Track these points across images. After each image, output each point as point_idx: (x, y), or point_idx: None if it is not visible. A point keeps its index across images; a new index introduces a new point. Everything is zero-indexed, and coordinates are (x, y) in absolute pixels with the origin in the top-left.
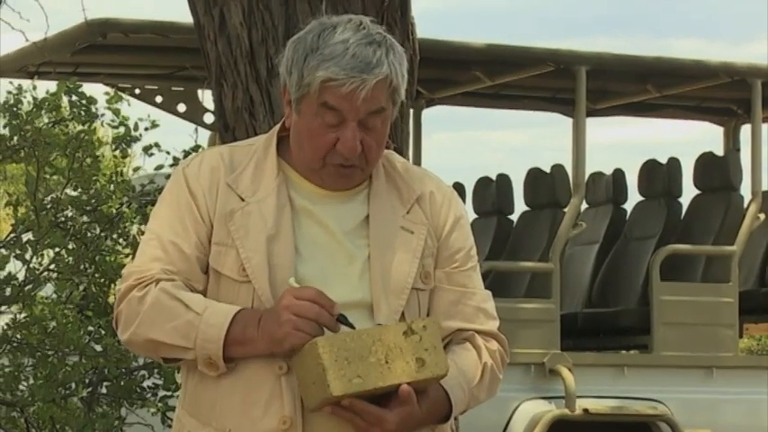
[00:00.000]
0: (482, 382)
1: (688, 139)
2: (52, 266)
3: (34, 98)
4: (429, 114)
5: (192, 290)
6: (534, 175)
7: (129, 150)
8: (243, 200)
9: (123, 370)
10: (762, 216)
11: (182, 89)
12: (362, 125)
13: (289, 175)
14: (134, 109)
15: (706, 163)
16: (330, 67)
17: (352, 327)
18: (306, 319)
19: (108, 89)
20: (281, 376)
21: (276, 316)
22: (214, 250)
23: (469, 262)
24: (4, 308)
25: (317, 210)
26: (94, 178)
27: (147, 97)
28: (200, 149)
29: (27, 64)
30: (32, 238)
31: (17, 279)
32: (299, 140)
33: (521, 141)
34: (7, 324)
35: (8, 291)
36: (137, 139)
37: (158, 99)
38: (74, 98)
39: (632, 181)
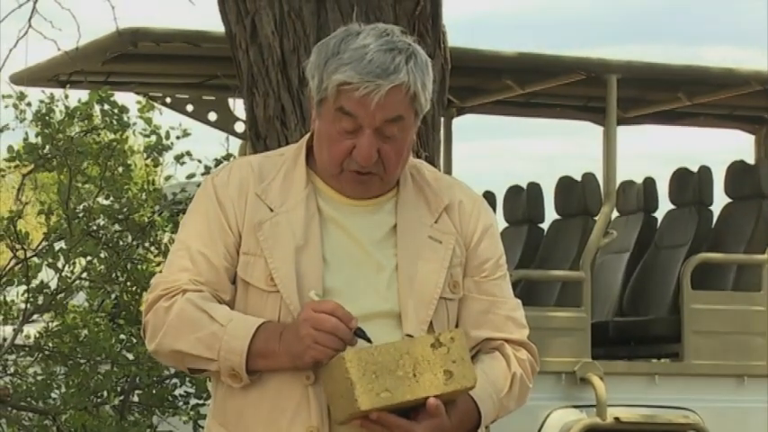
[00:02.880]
0: (511, 392)
1: (719, 148)
2: (84, 275)
3: (66, 107)
4: (460, 123)
5: (219, 300)
6: (565, 184)
7: (161, 159)
8: (272, 210)
9: (155, 378)
10: None
11: (213, 98)
12: (380, 133)
13: (317, 185)
14: (165, 118)
15: (737, 171)
16: (347, 70)
17: (368, 340)
18: (325, 333)
19: (139, 98)
20: (309, 386)
21: (296, 330)
22: (242, 260)
23: (498, 271)
24: (36, 316)
25: (345, 220)
26: (126, 187)
27: (178, 106)
28: (232, 158)
29: (59, 73)
30: (65, 247)
31: (49, 288)
32: (320, 145)
33: (551, 150)
34: (39, 333)
35: (40, 299)
36: (168, 148)
37: (189, 108)
38: (105, 107)
39: (663, 189)
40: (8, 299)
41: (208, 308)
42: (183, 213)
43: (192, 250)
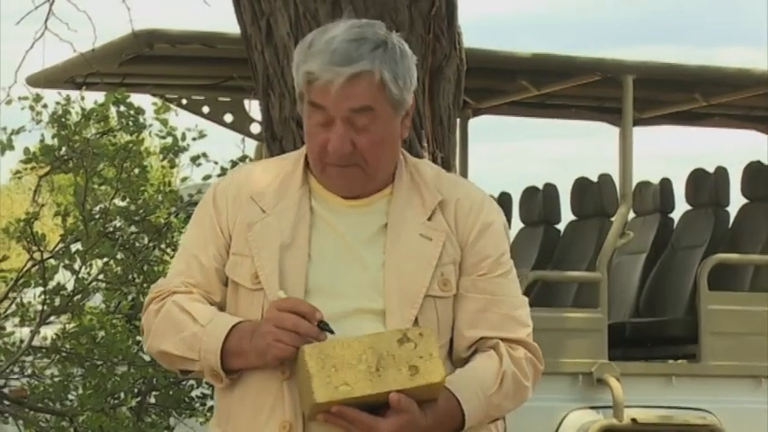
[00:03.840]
0: (501, 390)
1: (735, 148)
2: (101, 276)
3: (82, 109)
4: (476, 124)
5: (210, 302)
6: (581, 185)
7: (177, 160)
8: (264, 211)
9: (172, 380)
10: None
11: (228, 99)
12: (350, 124)
13: (312, 186)
14: (181, 119)
15: (753, 172)
16: (311, 62)
17: (332, 332)
18: (285, 331)
19: (155, 100)
20: (284, 381)
21: (261, 328)
22: (231, 260)
23: (499, 269)
24: (53, 318)
25: (336, 219)
26: (142, 188)
27: (193, 108)
28: (248, 159)
29: (75, 75)
30: (81, 249)
31: (66, 289)
32: (306, 142)
33: (567, 151)
34: (56, 334)
35: (57, 301)
36: (184, 150)
37: (205, 109)
38: (122, 108)
39: (679, 190)
40: (25, 300)
41: (191, 309)
42: None
43: (187, 253)
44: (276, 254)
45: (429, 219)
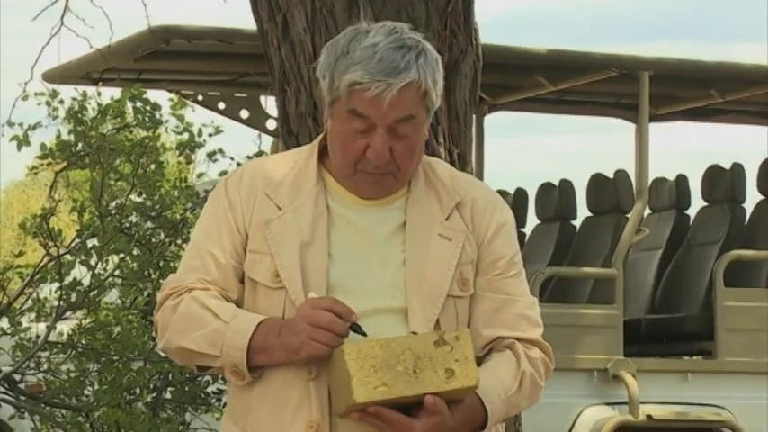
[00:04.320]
0: (521, 391)
1: (751, 145)
2: (117, 272)
3: (99, 104)
4: (492, 120)
5: (227, 299)
6: (597, 181)
7: (193, 156)
8: (280, 209)
9: (188, 375)
10: None
11: (244, 95)
12: (392, 132)
13: (328, 183)
14: (198, 115)
15: None
16: (357, 70)
17: (364, 335)
18: (320, 329)
19: (172, 95)
20: (310, 381)
21: (293, 325)
22: (249, 258)
23: (512, 269)
24: (69, 313)
25: (354, 217)
26: (159, 184)
27: (209, 103)
28: (264, 155)
29: (91, 71)
30: (97, 244)
31: (82, 285)
32: (334, 146)
33: (583, 147)
34: (72, 330)
35: (73, 296)
36: (201, 145)
37: (221, 105)
38: (138, 104)
39: (695, 186)
40: (41, 296)
41: (212, 305)
42: None
43: (202, 250)
44: (296, 252)
45: (446, 219)
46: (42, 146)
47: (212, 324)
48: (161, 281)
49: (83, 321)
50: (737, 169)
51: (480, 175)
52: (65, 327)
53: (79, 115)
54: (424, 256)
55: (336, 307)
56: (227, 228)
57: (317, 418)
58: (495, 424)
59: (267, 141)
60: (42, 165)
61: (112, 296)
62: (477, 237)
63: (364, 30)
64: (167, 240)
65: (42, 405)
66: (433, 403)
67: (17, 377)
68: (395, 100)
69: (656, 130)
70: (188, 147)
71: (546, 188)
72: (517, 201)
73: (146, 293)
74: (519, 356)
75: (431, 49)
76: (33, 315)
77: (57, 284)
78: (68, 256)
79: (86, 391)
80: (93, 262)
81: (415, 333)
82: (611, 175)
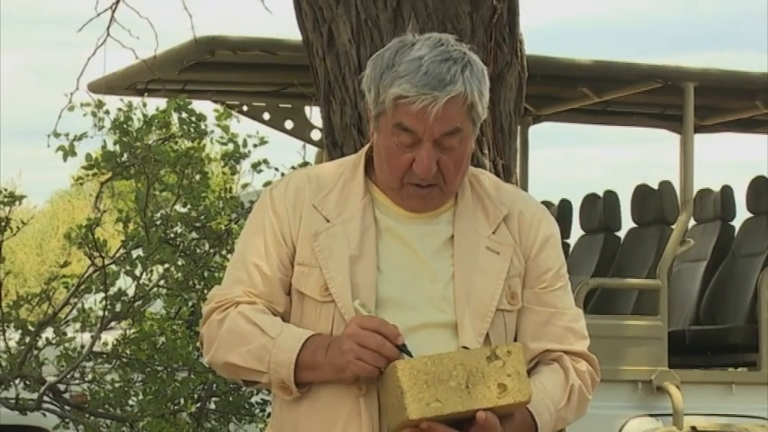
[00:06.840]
0: (569, 404)
1: None
2: (161, 282)
3: (144, 115)
4: (536, 131)
5: (273, 312)
6: (642, 192)
7: (238, 167)
8: (328, 221)
9: (232, 386)
10: None
11: (289, 106)
12: (438, 145)
13: (375, 196)
14: (242, 126)
15: None
16: (402, 84)
17: (410, 356)
18: (368, 350)
19: (217, 106)
20: (360, 397)
21: (340, 344)
22: (297, 271)
23: (559, 282)
24: (113, 324)
25: (402, 230)
26: (203, 195)
27: (254, 114)
28: (308, 166)
29: (136, 81)
30: (142, 255)
31: (127, 295)
32: (380, 159)
33: (628, 158)
34: (117, 340)
35: (118, 307)
36: (245, 156)
37: (266, 116)
38: (183, 115)
39: (740, 197)
40: (86, 306)
41: (258, 320)
42: None
43: (248, 262)
44: (345, 265)
45: (494, 232)
46: (88, 156)
47: (259, 340)
48: (205, 291)
49: (127, 332)
50: None
51: (525, 186)
52: (109, 337)
53: (124, 126)
54: (473, 270)
55: (384, 329)
56: (273, 239)
57: None
58: None
59: (312, 152)
60: (88, 175)
61: (157, 306)
62: (524, 250)
63: (410, 42)
64: (212, 251)
65: (87, 415)
66: (485, 419)
67: (62, 387)
68: (441, 113)
69: (701, 141)
70: (233, 157)
71: (590, 199)
72: (562, 212)
73: (190, 304)
74: (567, 370)
75: (477, 61)
76: (78, 325)
77: (101, 295)
78: (113, 267)
79: (131, 402)
80: (137, 272)
81: (466, 348)
82: (655, 187)
